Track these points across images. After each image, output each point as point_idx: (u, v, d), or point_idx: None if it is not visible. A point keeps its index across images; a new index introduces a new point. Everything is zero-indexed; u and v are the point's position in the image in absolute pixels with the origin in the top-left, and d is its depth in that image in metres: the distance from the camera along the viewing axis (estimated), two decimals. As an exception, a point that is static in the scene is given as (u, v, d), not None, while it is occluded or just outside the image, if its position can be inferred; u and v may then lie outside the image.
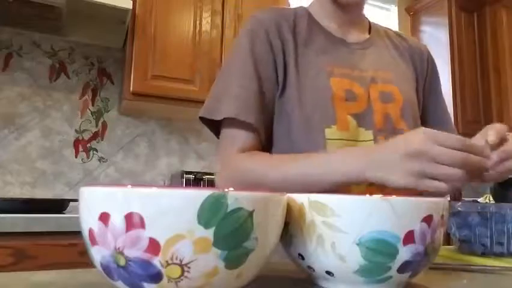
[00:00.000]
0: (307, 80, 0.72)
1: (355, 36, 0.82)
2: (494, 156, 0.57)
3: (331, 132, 0.69)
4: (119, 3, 1.65)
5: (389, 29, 0.91)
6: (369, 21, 0.88)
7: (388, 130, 0.73)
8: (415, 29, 2.95)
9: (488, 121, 2.69)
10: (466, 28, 2.73)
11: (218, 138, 0.76)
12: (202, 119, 0.74)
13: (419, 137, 0.51)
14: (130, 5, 1.68)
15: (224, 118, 0.70)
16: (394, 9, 3.04)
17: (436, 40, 2.76)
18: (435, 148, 0.49)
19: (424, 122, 0.86)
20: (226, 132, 0.73)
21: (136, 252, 0.28)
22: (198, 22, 1.93)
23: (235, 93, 0.70)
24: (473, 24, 2.79)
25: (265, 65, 0.73)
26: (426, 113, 0.87)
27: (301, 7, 0.84)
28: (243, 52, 0.74)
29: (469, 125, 2.60)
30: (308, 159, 0.63)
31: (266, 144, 0.74)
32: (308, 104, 0.71)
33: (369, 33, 0.85)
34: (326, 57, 0.75)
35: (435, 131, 0.51)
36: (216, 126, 0.74)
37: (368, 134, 0.71)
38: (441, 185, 0.50)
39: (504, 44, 2.69)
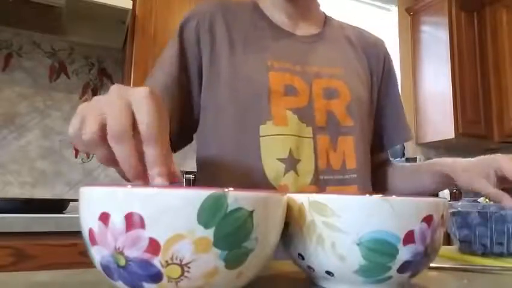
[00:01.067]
0: (244, 75, 0.71)
1: (305, 29, 0.80)
2: None
3: (266, 128, 0.68)
4: (119, 3, 1.65)
5: (347, 24, 0.88)
6: (325, 15, 0.86)
7: (331, 129, 0.71)
8: (415, 29, 2.96)
9: (488, 121, 2.69)
10: (466, 28, 2.73)
11: None
12: None
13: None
14: (130, 5, 1.68)
15: None
16: (394, 9, 3.04)
17: (436, 40, 2.76)
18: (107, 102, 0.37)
19: (380, 119, 0.85)
20: None
21: (136, 252, 0.28)
22: (198, 22, 1.93)
23: (156, 82, 0.71)
24: (473, 24, 2.79)
25: (189, 56, 0.73)
26: (383, 111, 0.85)
27: None
28: (172, 43, 0.75)
29: (469, 125, 2.60)
30: None
31: (181, 133, 0.74)
32: (242, 100, 0.70)
33: (324, 27, 0.83)
34: (268, 51, 0.74)
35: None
36: None
37: (308, 131, 0.70)
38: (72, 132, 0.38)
39: (504, 44, 2.69)
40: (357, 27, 0.89)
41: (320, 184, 0.68)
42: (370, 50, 0.84)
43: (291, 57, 0.74)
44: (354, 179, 0.72)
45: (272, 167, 0.67)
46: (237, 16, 0.77)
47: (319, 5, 0.85)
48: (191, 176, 1.91)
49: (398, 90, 0.88)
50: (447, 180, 0.74)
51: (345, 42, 0.83)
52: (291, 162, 0.67)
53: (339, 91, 0.74)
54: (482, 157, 0.68)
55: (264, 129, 0.68)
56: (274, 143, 0.67)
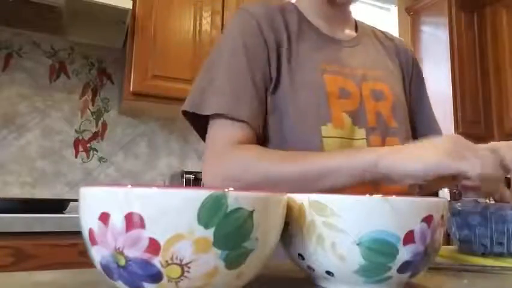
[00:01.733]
0: (301, 76, 0.71)
1: (343, 33, 0.81)
2: None
3: (326, 130, 0.68)
4: (119, 3, 1.65)
5: (375, 28, 0.90)
6: (355, 20, 0.87)
7: (381, 128, 0.72)
8: (415, 29, 2.95)
9: (488, 121, 2.69)
10: (466, 28, 2.73)
11: (200, 134, 0.73)
12: (185, 113, 0.69)
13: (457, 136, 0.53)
14: (130, 5, 1.68)
15: (214, 113, 0.66)
16: (394, 9, 3.04)
17: (436, 40, 2.76)
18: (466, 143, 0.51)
19: (413, 122, 0.85)
20: (217, 127, 0.68)
21: (136, 252, 0.28)
22: (198, 22, 1.93)
23: (225, 87, 0.66)
24: (473, 24, 2.79)
25: (258, 59, 0.69)
26: (413, 114, 0.86)
27: (289, 2, 0.82)
28: (233, 44, 0.70)
29: (469, 125, 2.60)
30: (326, 155, 0.61)
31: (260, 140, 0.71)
32: (302, 101, 0.69)
33: (356, 31, 0.84)
34: (318, 54, 0.74)
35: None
36: (199, 122, 0.70)
37: (361, 132, 0.70)
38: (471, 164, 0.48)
39: (504, 44, 2.69)
40: (383, 31, 0.91)
41: (372, 183, 0.68)
42: (400, 53, 0.86)
43: (339, 61, 0.75)
44: None
45: None
46: (287, 18, 0.76)
47: (350, 9, 0.86)
48: (191, 176, 1.92)
49: (427, 93, 0.90)
50: None
51: (379, 46, 0.84)
52: None
53: (384, 93, 0.75)
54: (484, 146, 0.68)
55: (324, 130, 0.68)
56: (335, 145, 0.68)
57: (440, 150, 0.50)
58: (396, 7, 3.03)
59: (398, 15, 3.01)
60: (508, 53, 2.67)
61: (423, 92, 0.88)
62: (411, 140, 0.80)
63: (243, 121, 0.66)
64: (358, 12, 2.85)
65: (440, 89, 2.67)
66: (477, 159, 0.49)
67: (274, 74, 0.70)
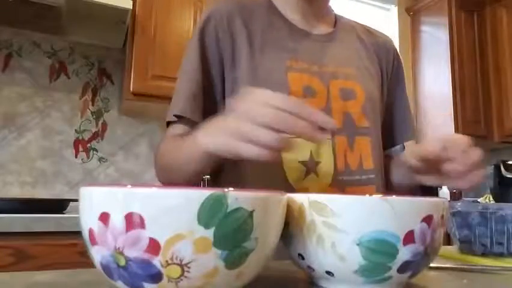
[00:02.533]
0: (263, 75, 0.70)
1: (319, 29, 0.80)
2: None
3: None
4: (119, 3, 1.65)
5: (357, 23, 0.88)
6: (335, 15, 0.86)
7: (348, 130, 0.71)
8: (415, 29, 2.95)
9: (488, 121, 2.69)
10: (466, 28, 2.73)
11: None
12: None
13: (246, 98, 0.47)
14: (130, 5, 1.68)
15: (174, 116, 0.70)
16: (394, 9, 3.04)
17: (436, 40, 2.76)
18: (257, 108, 0.44)
19: (389, 118, 0.85)
20: (169, 129, 0.73)
21: (136, 252, 0.28)
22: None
23: (182, 91, 0.71)
24: (473, 24, 2.79)
25: (212, 60, 0.72)
26: (391, 109, 0.85)
27: None
28: (192, 47, 0.73)
29: (469, 125, 2.60)
30: (182, 141, 0.61)
31: None
32: None
33: (335, 26, 0.83)
34: (286, 50, 0.73)
35: (267, 91, 0.47)
36: None
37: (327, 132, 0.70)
38: (254, 151, 0.43)
39: (504, 44, 2.69)
40: (366, 26, 0.89)
41: (339, 185, 0.68)
42: (380, 49, 0.84)
43: (308, 57, 0.73)
44: (372, 179, 0.72)
45: (294, 169, 0.67)
46: (254, 14, 0.75)
47: (329, 3, 0.84)
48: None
49: (406, 91, 0.89)
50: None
51: (357, 42, 0.82)
52: (312, 165, 0.67)
53: (355, 92, 0.74)
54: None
55: None
56: (294, 145, 0.67)
57: (225, 132, 0.47)
58: (396, 7, 3.03)
59: (398, 15, 3.01)
60: (508, 53, 2.67)
61: (399, 89, 0.87)
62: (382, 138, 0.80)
63: (193, 123, 0.68)
64: (358, 12, 2.85)
65: (440, 89, 2.67)
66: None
67: (228, 74, 0.71)
